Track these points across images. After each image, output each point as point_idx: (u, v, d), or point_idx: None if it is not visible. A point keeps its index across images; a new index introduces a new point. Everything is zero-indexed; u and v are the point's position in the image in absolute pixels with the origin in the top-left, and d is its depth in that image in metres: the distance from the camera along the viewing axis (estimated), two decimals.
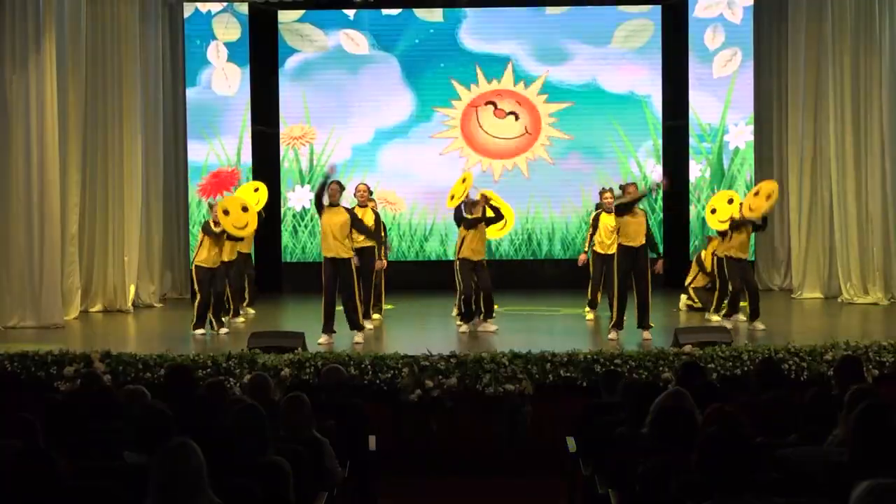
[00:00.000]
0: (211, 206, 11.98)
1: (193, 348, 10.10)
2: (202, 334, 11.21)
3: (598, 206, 12.38)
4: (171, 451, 4.11)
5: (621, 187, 11.30)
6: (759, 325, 11.17)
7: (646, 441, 5.31)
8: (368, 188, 12.16)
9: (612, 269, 11.11)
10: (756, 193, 11.53)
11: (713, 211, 12.10)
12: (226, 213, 11.38)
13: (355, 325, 10.61)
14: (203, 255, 11.32)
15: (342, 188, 11.02)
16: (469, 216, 11.38)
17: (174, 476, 4.06)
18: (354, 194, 11.99)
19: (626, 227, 10.74)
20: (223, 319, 11.55)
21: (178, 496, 4.05)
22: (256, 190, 12.95)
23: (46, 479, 4.10)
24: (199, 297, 11.31)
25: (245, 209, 11.59)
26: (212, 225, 11.38)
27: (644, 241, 10.76)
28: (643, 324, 10.58)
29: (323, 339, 10.43)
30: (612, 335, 10.59)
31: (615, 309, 10.74)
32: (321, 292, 10.67)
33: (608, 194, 12.11)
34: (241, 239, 11.81)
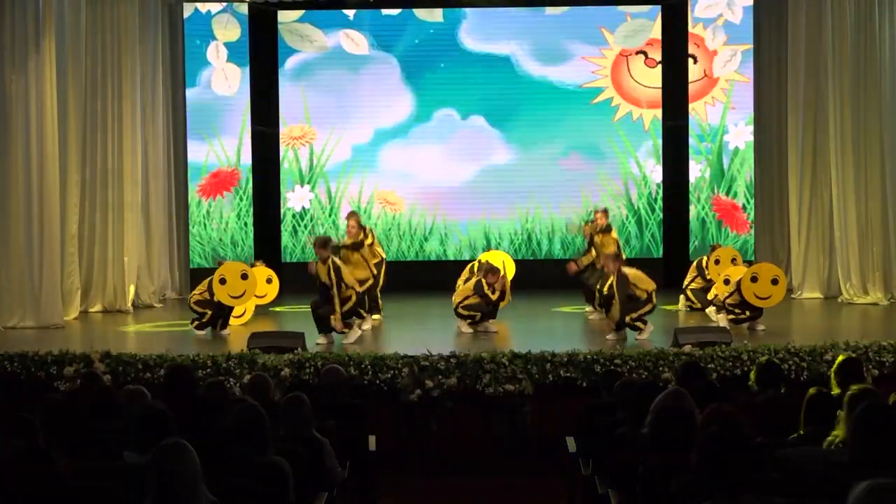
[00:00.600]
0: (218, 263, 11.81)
1: (193, 348, 10.09)
2: (204, 334, 11.22)
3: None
4: (166, 451, 4.12)
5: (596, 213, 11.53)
6: (760, 325, 11.17)
7: (646, 441, 5.31)
8: (358, 222, 11.86)
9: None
10: (754, 279, 11.22)
11: (754, 279, 11.27)
12: (222, 281, 11.22)
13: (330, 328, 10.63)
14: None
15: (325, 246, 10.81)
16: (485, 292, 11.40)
17: (169, 476, 4.06)
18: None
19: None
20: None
21: (174, 496, 4.05)
22: (269, 281, 12.77)
23: (47, 479, 4.10)
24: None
25: (245, 276, 11.32)
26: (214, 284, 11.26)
27: None
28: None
29: (322, 339, 10.44)
30: (612, 336, 10.58)
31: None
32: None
33: (601, 215, 12.47)
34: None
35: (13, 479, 4.08)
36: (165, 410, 5.17)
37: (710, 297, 12.14)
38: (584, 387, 8.90)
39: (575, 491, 7.21)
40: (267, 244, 15.49)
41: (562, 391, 8.97)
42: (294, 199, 15.62)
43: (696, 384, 6.24)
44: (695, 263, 13.26)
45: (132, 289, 13.62)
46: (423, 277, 14.88)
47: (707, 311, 12.08)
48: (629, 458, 5.22)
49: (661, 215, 15.51)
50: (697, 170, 15.36)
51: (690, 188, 15.33)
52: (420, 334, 11.21)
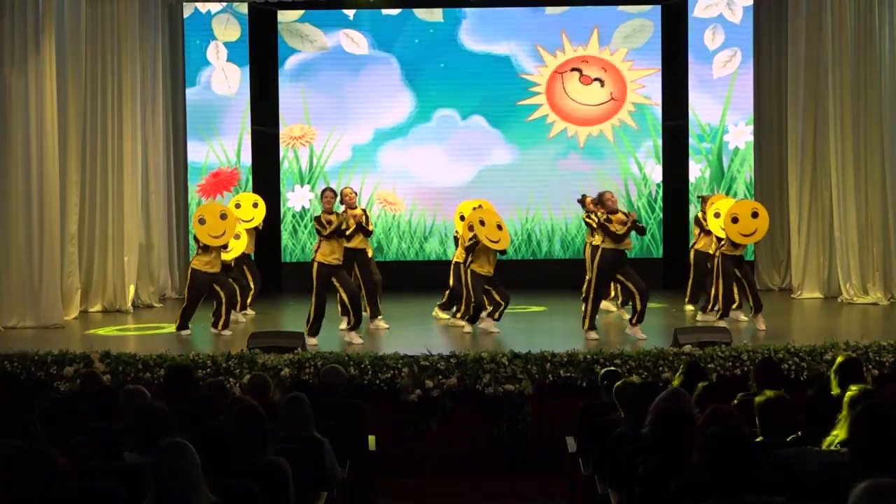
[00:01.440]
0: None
1: (193, 348, 10.10)
2: (188, 334, 11.24)
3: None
4: (166, 451, 4.11)
5: (599, 200, 11.29)
6: (761, 325, 11.17)
7: (646, 441, 5.32)
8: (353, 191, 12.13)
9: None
10: (735, 220, 11.35)
11: (734, 220, 11.45)
12: (201, 221, 11.28)
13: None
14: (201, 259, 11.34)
15: (335, 195, 11.24)
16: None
17: (170, 476, 4.06)
18: (343, 200, 11.85)
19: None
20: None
21: (174, 496, 4.05)
22: (256, 205, 12.90)
23: (49, 478, 4.09)
24: (186, 300, 11.41)
25: (224, 216, 11.37)
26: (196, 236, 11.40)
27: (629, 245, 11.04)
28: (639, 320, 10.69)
29: (314, 340, 10.47)
30: (593, 335, 10.59)
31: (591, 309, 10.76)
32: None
33: (589, 200, 12.35)
34: (225, 247, 11.54)
35: (15, 478, 4.07)
36: (165, 410, 5.17)
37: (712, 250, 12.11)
38: (584, 387, 8.90)
39: (575, 491, 7.21)
40: (267, 244, 15.47)
41: (562, 391, 8.97)
42: (294, 198, 15.62)
43: (697, 385, 6.25)
44: (693, 221, 13.20)
45: (132, 289, 13.63)
46: (423, 277, 14.87)
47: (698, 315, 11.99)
48: (629, 458, 5.22)
49: (661, 215, 15.51)
50: (697, 170, 15.35)
51: (690, 188, 15.33)
52: (420, 334, 11.21)
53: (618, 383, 6.65)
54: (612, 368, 8.51)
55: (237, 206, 12.77)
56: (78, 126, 12.91)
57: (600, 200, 11.20)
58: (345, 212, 11.36)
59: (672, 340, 9.62)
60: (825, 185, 13.87)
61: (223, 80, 15.38)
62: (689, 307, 12.68)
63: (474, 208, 11.86)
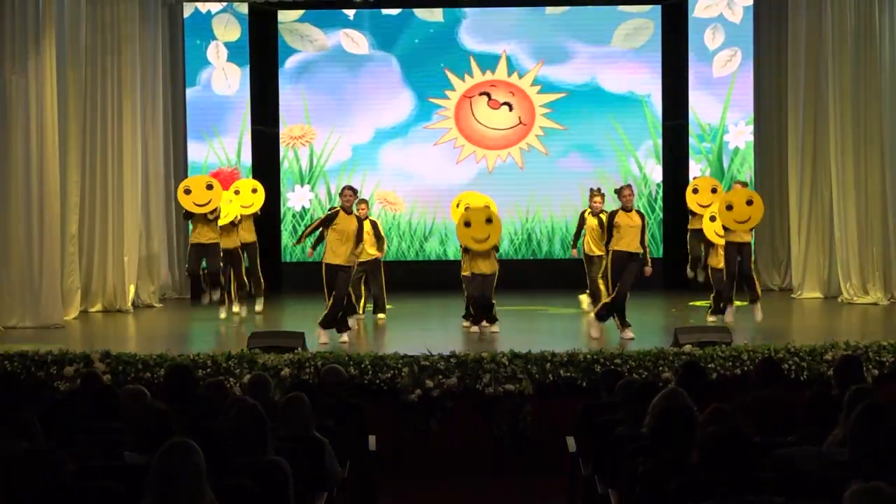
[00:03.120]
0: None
1: (193, 348, 10.10)
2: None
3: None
4: (172, 451, 4.11)
5: (616, 191, 11.19)
6: (758, 313, 11.23)
7: (646, 441, 5.32)
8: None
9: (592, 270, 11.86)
10: (729, 207, 11.38)
11: (695, 191, 12.08)
12: (187, 192, 11.63)
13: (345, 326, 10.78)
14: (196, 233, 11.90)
15: (355, 193, 11.02)
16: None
17: (174, 476, 4.05)
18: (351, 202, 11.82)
19: (618, 229, 10.71)
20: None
21: (178, 496, 4.04)
22: (255, 191, 12.98)
23: (53, 479, 4.09)
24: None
25: (210, 187, 11.73)
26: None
27: (640, 249, 10.79)
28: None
29: (325, 337, 10.47)
30: (629, 334, 10.57)
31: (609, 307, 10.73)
32: (322, 294, 10.67)
33: (598, 198, 12.23)
34: (213, 213, 11.87)
35: (20, 478, 4.06)
36: (165, 410, 5.17)
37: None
38: (584, 387, 8.90)
39: (575, 491, 7.21)
40: (267, 244, 15.47)
41: (562, 391, 8.97)
42: (294, 198, 15.62)
43: (696, 384, 6.25)
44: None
45: (132, 289, 13.62)
46: (423, 277, 14.88)
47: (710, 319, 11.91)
48: (629, 458, 5.22)
49: (661, 215, 15.51)
50: (697, 170, 15.34)
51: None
52: (420, 334, 11.21)
53: (620, 381, 6.66)
54: (613, 368, 8.53)
55: (236, 192, 12.84)
56: (78, 126, 12.91)
57: (619, 193, 11.08)
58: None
59: (672, 340, 9.62)
60: (825, 185, 13.87)
61: (223, 79, 15.38)
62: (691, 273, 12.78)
63: (467, 208, 11.77)
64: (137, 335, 11.96)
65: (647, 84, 15.52)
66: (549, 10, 15.58)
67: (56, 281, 12.01)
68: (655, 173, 15.52)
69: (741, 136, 15.30)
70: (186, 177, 15.23)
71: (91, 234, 13.34)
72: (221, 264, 12.13)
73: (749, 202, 11.50)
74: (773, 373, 6.70)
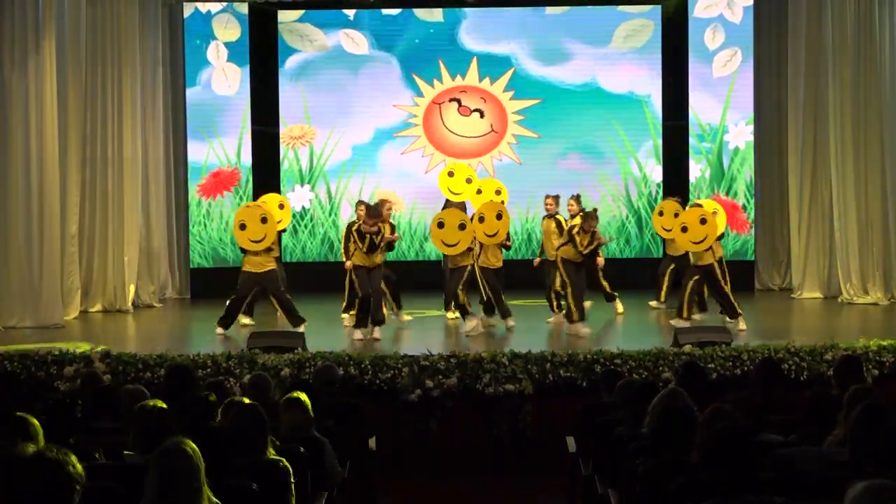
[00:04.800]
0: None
1: (193, 348, 10.10)
2: (220, 334, 11.28)
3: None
4: (170, 451, 4.11)
5: (589, 213, 11.45)
6: (741, 326, 11.25)
7: (646, 441, 5.32)
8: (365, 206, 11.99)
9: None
10: (684, 230, 11.41)
11: (684, 229, 11.54)
12: (242, 227, 11.21)
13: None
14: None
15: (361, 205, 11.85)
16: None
17: (173, 476, 4.05)
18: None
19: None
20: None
21: (178, 496, 4.04)
22: (282, 207, 12.72)
23: (60, 479, 4.08)
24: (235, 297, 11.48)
25: (264, 220, 11.26)
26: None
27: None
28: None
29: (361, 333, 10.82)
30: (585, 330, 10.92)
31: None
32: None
33: (550, 200, 12.45)
34: (269, 250, 11.46)
35: (28, 478, 4.05)
36: (165, 410, 5.17)
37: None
38: (584, 387, 8.90)
39: (575, 491, 7.21)
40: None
41: (562, 391, 8.97)
42: (294, 198, 15.61)
43: (696, 384, 6.25)
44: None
45: (132, 289, 13.63)
46: (423, 277, 14.86)
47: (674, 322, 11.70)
48: (629, 458, 5.22)
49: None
50: (697, 170, 15.34)
51: (690, 188, 15.32)
52: (420, 334, 11.21)
53: (620, 381, 6.66)
54: (613, 368, 8.53)
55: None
56: (78, 126, 12.92)
57: (587, 215, 11.25)
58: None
59: (672, 340, 9.63)
60: (825, 185, 13.87)
61: (223, 80, 15.37)
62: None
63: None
64: (137, 335, 11.97)
65: (647, 84, 15.52)
66: (549, 10, 15.57)
67: (56, 281, 12.01)
68: (655, 173, 15.52)
69: (741, 136, 15.29)
70: (187, 177, 15.27)
71: (91, 234, 13.34)
72: (283, 287, 11.77)
73: (703, 221, 11.37)
74: (773, 373, 6.71)
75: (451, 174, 13.13)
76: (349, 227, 11.65)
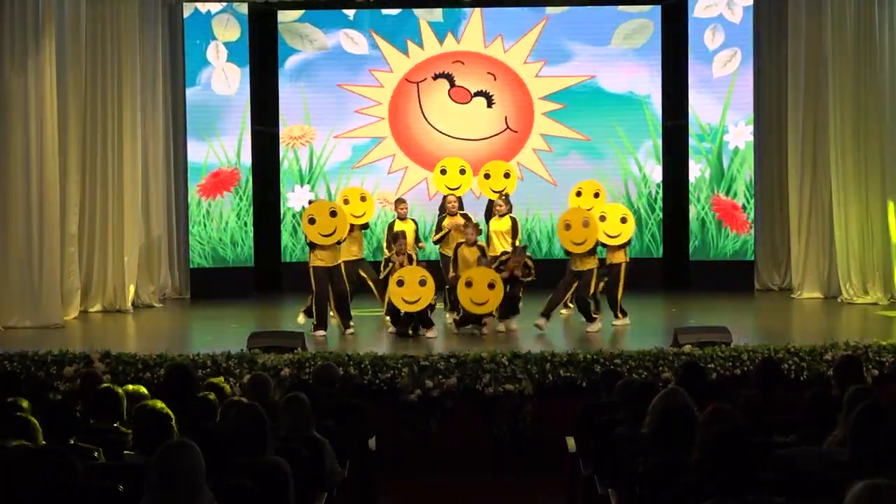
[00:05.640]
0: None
1: (193, 348, 10.10)
2: (322, 335, 10.93)
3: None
4: (172, 451, 4.11)
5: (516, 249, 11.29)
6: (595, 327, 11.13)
7: (646, 441, 5.32)
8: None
9: None
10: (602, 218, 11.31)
11: (578, 194, 11.69)
12: (311, 221, 10.98)
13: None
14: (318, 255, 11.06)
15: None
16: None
17: (174, 475, 4.05)
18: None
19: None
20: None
21: (178, 496, 4.04)
22: (364, 199, 11.98)
23: (64, 477, 4.08)
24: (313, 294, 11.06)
25: (334, 213, 10.99)
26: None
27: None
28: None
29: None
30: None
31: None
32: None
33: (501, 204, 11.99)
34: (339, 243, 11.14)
35: (31, 476, 4.06)
36: (165, 410, 5.17)
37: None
38: (584, 387, 8.91)
39: (575, 491, 7.21)
40: (267, 244, 15.49)
41: (562, 391, 8.97)
42: (294, 198, 15.61)
43: (696, 384, 6.25)
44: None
45: (132, 289, 13.63)
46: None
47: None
48: (629, 458, 5.22)
49: (661, 215, 15.50)
50: (697, 170, 15.33)
51: (690, 188, 15.31)
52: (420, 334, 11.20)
53: (620, 381, 6.66)
54: (613, 368, 8.53)
55: (345, 201, 11.78)
56: (78, 126, 12.91)
57: (517, 250, 11.19)
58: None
59: (672, 340, 9.63)
60: (825, 185, 13.87)
61: (223, 80, 15.37)
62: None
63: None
64: (137, 335, 11.96)
65: (647, 84, 15.51)
66: (549, 10, 15.56)
67: (56, 281, 12.01)
68: (655, 173, 15.51)
69: (741, 136, 15.28)
70: (187, 177, 15.26)
71: (91, 234, 13.34)
72: (348, 286, 11.36)
73: (585, 223, 11.13)
74: (773, 373, 6.71)
75: (443, 171, 12.36)
76: (391, 225, 11.79)
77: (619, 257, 11.44)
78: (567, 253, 11.33)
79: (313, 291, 11.03)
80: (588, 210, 11.60)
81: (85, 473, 4.62)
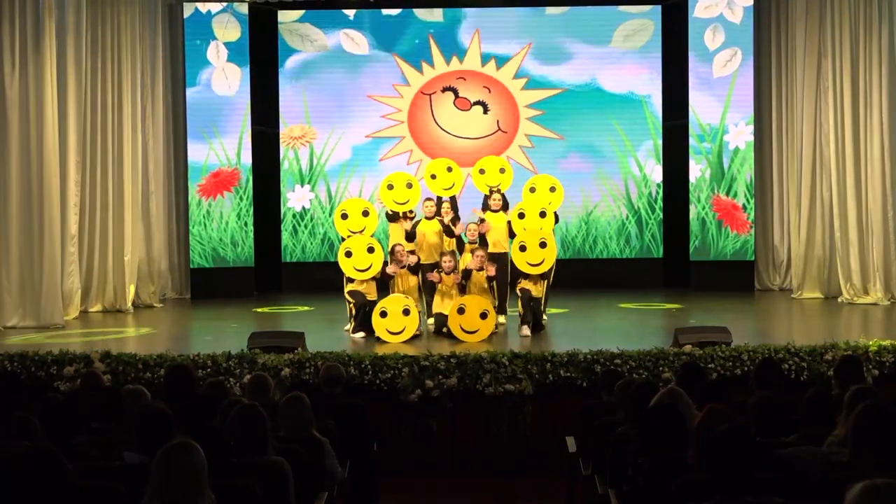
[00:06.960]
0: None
1: (193, 348, 10.09)
2: (362, 337, 10.81)
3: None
4: (173, 451, 4.11)
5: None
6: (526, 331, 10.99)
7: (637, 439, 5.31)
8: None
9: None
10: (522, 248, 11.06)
11: (522, 248, 11.09)
12: (348, 254, 10.95)
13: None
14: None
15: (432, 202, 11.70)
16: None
17: (176, 475, 4.05)
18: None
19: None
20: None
21: (178, 496, 4.04)
22: (366, 214, 11.64)
23: (55, 478, 4.09)
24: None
25: (371, 250, 10.96)
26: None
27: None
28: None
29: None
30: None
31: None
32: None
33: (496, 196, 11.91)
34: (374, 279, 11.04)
35: (22, 477, 4.06)
36: (165, 410, 5.17)
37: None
38: (584, 387, 8.91)
39: (575, 491, 7.21)
40: (267, 244, 15.49)
41: (562, 391, 8.97)
42: (294, 199, 15.62)
43: (696, 384, 6.25)
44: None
45: (132, 289, 13.63)
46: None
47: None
48: (629, 458, 5.22)
49: (661, 215, 15.50)
50: (697, 170, 15.34)
51: (690, 188, 15.31)
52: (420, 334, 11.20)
53: (620, 381, 6.65)
54: (613, 368, 8.52)
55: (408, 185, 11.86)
56: (78, 126, 12.92)
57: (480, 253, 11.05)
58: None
59: (672, 340, 9.62)
60: (825, 185, 13.88)
61: (223, 80, 15.37)
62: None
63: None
64: (137, 335, 11.96)
65: (647, 84, 15.52)
66: (549, 10, 15.57)
67: (56, 281, 12.01)
68: (655, 173, 15.52)
69: (741, 136, 15.29)
70: (187, 177, 15.26)
71: (91, 234, 13.34)
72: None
73: (542, 244, 11.05)
74: (773, 373, 6.71)
75: (433, 177, 12.14)
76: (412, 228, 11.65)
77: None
78: (522, 274, 11.10)
79: (350, 302, 10.98)
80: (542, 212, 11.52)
81: (85, 474, 4.63)
